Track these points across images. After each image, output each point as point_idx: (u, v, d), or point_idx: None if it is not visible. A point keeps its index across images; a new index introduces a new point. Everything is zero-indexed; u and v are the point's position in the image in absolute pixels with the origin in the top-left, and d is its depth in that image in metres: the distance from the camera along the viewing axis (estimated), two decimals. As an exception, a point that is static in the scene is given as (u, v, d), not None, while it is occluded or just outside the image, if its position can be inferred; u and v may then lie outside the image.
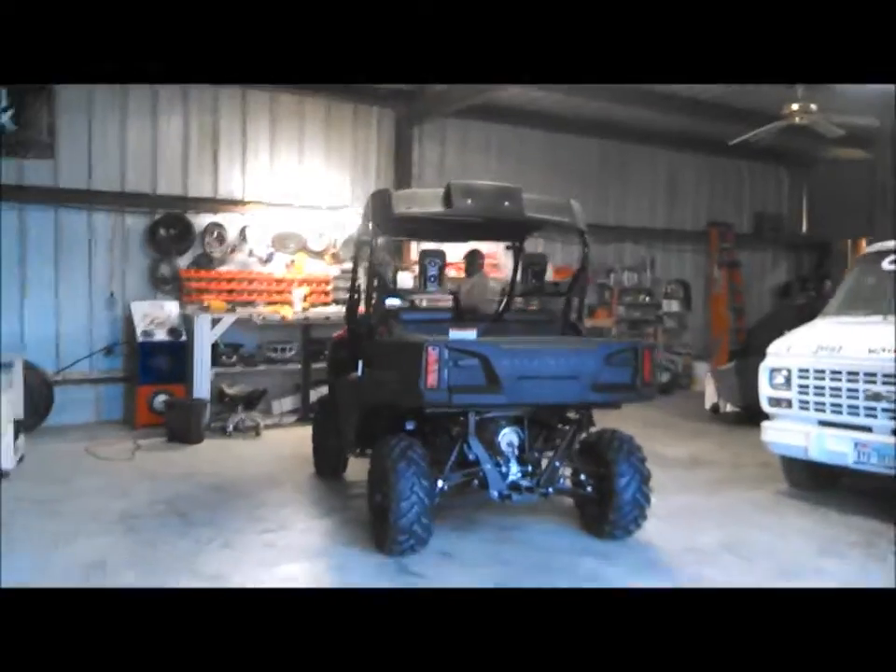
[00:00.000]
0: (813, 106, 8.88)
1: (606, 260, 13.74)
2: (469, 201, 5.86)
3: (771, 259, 15.96)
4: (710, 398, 11.12)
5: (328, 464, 7.41)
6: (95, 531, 5.79)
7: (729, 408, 10.60)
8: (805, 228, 16.00)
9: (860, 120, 9.02)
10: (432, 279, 6.22)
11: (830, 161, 13.17)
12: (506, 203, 5.96)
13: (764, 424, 7.09)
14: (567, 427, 5.91)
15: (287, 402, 10.67)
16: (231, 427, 9.50)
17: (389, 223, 6.26)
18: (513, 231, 7.14)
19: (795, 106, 8.91)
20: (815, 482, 7.15)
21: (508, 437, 5.49)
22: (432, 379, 4.89)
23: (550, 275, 11.24)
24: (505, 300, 7.25)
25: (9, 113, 9.52)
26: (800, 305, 9.02)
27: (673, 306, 14.26)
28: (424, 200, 6.13)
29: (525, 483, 5.45)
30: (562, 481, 5.81)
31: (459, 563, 5.28)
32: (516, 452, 5.52)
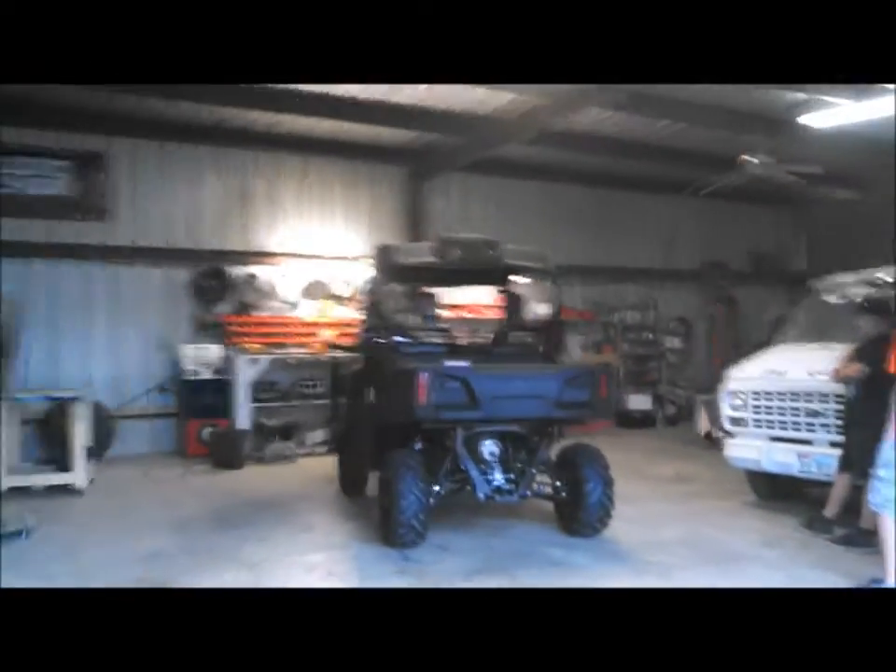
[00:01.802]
0: (762, 159, 9.78)
1: (607, 300, 14.56)
2: (457, 251, 6.97)
3: (770, 295, 16.79)
4: (704, 426, 11.74)
5: (350, 481, 8.40)
6: (154, 532, 6.97)
7: (722, 434, 11.35)
8: (806, 264, 16.87)
9: (807, 169, 9.94)
10: (429, 318, 7.39)
11: (829, 201, 13.92)
12: (488, 253, 7.06)
13: (726, 441, 8.07)
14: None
15: (318, 434, 11.66)
16: (268, 455, 10.68)
17: (393, 272, 7.42)
18: (495, 275, 8.18)
19: (749, 158, 9.85)
20: (776, 492, 8.00)
21: (489, 448, 6.55)
22: (423, 398, 6.04)
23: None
24: (494, 335, 8.37)
25: (64, 178, 10.79)
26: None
27: (675, 342, 14.99)
28: (419, 252, 7.28)
29: (506, 487, 6.51)
30: (540, 486, 6.89)
31: (452, 552, 6.31)
32: (498, 461, 6.58)
